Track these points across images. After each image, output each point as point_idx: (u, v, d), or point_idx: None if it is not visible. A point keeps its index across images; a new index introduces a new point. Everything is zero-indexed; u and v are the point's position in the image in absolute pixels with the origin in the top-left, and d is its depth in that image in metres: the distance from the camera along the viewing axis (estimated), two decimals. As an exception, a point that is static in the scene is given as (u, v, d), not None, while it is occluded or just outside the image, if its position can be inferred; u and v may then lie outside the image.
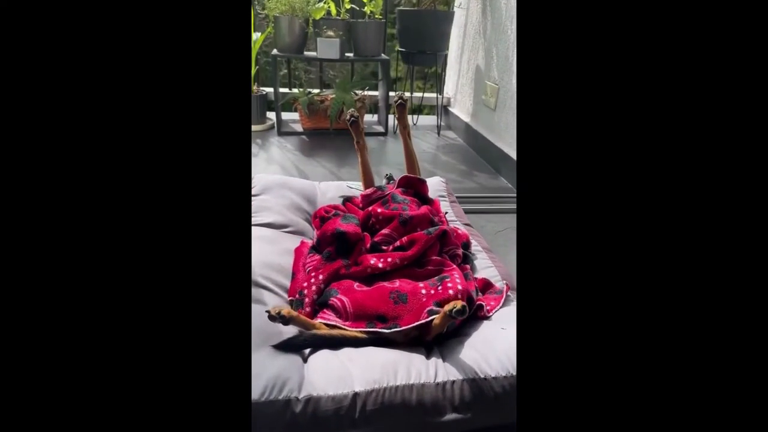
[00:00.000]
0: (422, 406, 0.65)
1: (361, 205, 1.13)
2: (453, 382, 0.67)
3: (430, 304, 0.75)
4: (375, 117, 2.84)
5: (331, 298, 0.82)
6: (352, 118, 1.12)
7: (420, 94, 2.88)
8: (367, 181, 1.16)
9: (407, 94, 2.76)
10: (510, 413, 0.67)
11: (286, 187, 1.25)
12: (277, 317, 0.71)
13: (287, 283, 0.92)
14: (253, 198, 1.20)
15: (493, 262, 1.04)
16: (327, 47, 2.26)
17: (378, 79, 2.62)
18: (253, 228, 1.06)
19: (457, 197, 1.41)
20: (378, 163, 2.10)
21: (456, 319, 0.69)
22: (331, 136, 2.44)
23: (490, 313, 0.84)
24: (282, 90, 2.53)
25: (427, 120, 2.94)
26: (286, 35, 2.30)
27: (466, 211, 1.35)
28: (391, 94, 2.58)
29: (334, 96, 2.40)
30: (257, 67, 2.51)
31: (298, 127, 2.55)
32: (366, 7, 2.37)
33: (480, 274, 0.99)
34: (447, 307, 0.68)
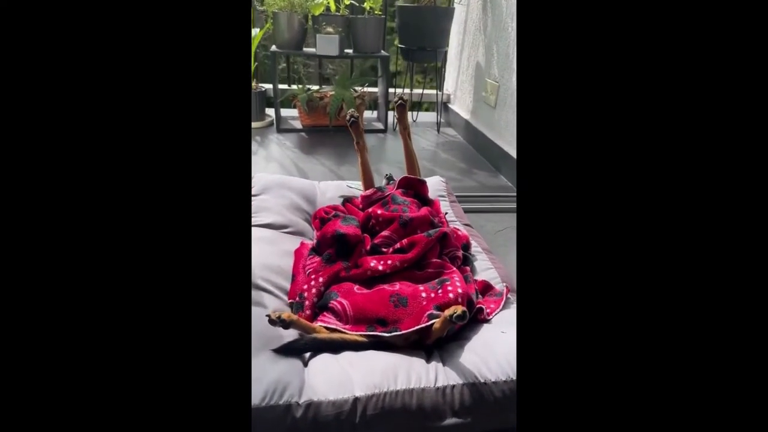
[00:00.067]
0: (422, 411, 0.65)
1: (361, 206, 1.13)
2: (453, 386, 0.67)
3: (431, 308, 0.75)
4: (374, 114, 2.83)
5: (331, 301, 0.82)
6: (352, 119, 1.11)
7: (420, 91, 2.86)
8: (367, 181, 1.15)
9: (407, 91, 2.75)
10: (510, 418, 0.67)
11: (286, 186, 1.25)
12: (277, 321, 0.71)
13: (287, 285, 0.92)
14: (252, 198, 1.19)
15: (493, 263, 1.04)
16: (326, 43, 2.25)
17: (377, 76, 2.61)
18: (252, 229, 1.06)
19: (456, 196, 1.41)
20: (378, 161, 2.10)
21: (456, 324, 0.69)
22: (331, 133, 2.43)
23: (490, 316, 0.84)
24: (281, 86, 2.51)
25: (427, 117, 2.93)
26: (285, 31, 2.28)
27: (466, 211, 1.35)
28: (391, 90, 2.57)
29: (333, 93, 2.39)
30: (256, 63, 2.49)
31: (298, 124, 2.53)
32: (365, 3, 2.35)
33: (480, 276, 0.99)
34: (447, 312, 0.68)
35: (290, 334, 0.76)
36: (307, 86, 2.51)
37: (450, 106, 2.81)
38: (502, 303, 0.88)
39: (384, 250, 0.94)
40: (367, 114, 2.78)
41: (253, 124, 2.47)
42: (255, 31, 2.35)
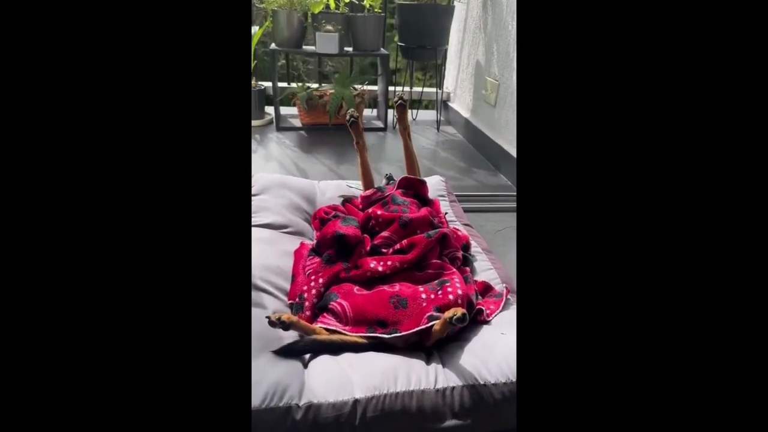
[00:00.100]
0: (422, 413, 0.65)
1: (360, 207, 1.13)
2: (453, 388, 0.67)
3: (430, 310, 0.75)
4: (374, 112, 2.82)
5: (331, 302, 0.82)
6: (352, 119, 1.11)
7: (420, 89, 2.86)
8: (367, 181, 1.15)
9: (406, 89, 2.74)
10: (510, 420, 0.67)
11: (285, 186, 1.25)
12: (277, 323, 0.71)
13: (287, 286, 0.92)
14: (252, 198, 1.19)
15: (493, 264, 1.04)
16: (326, 42, 2.24)
17: (377, 74, 2.60)
18: (252, 229, 1.06)
19: (456, 196, 1.41)
20: (377, 160, 2.09)
21: (456, 326, 0.69)
22: (330, 131, 2.42)
23: (490, 318, 0.84)
24: (280, 84, 2.51)
25: (427, 115, 2.92)
26: (285, 29, 2.27)
27: (466, 210, 1.35)
28: (391, 89, 2.56)
29: (333, 91, 2.38)
30: (255, 61, 2.48)
31: (297, 123, 2.53)
32: (365, 1, 2.34)
33: (480, 277, 0.99)
34: (447, 314, 0.68)
35: (290, 336, 0.76)
36: (307, 84, 2.50)
37: (450, 104, 2.81)
38: (502, 304, 0.88)
39: (384, 250, 0.94)
40: (367, 112, 2.78)
41: (253, 123, 2.47)
42: (254, 29, 2.34)
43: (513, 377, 0.68)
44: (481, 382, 0.68)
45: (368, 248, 0.95)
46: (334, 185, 1.34)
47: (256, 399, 0.62)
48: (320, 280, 0.87)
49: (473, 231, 1.20)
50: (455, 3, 2.46)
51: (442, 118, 2.75)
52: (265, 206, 1.15)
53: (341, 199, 1.22)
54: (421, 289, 0.81)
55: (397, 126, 1.15)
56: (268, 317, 0.72)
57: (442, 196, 1.34)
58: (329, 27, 2.25)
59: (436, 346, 0.77)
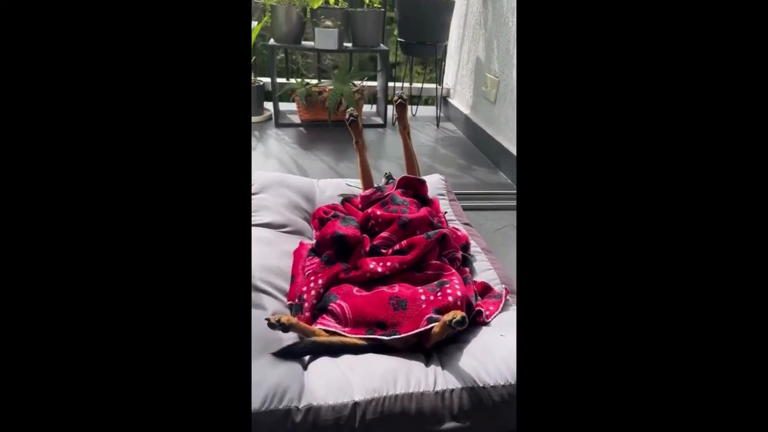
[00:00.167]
0: (421, 415, 0.66)
1: (360, 206, 1.12)
2: (452, 390, 0.68)
3: (430, 311, 0.76)
4: (374, 108, 2.81)
5: (331, 304, 0.82)
6: (351, 118, 1.11)
7: (419, 85, 2.84)
8: (367, 181, 1.15)
9: (406, 85, 2.73)
10: (508, 422, 0.68)
11: (285, 185, 1.24)
12: (276, 325, 0.71)
13: (286, 286, 0.92)
14: (251, 197, 1.19)
15: (492, 264, 1.04)
16: (325, 37, 2.22)
17: (377, 70, 2.59)
18: (252, 229, 1.06)
19: (456, 194, 1.40)
20: (377, 157, 2.09)
21: (455, 329, 0.69)
22: (330, 128, 2.41)
23: (489, 319, 0.84)
24: (279, 80, 2.49)
25: (427, 111, 2.91)
26: (283, 24, 2.25)
27: (465, 208, 1.35)
28: (390, 84, 2.54)
29: (332, 87, 2.37)
30: (254, 57, 2.46)
31: (296, 119, 2.52)
32: (365, -4, 2.33)
33: (479, 277, 0.99)
34: (447, 317, 0.68)
35: (290, 337, 0.76)
36: (306, 80, 2.49)
37: (449, 100, 2.80)
38: (501, 305, 0.88)
39: (383, 251, 0.94)
40: (366, 108, 2.76)
41: (252, 119, 2.45)
42: (253, 24, 2.32)
43: (512, 380, 0.68)
44: (480, 385, 0.68)
45: (367, 249, 0.95)
46: (334, 184, 1.34)
47: (256, 401, 0.62)
48: (319, 281, 0.87)
49: (473, 230, 1.20)
50: (455, -2, 2.44)
51: (441, 115, 2.74)
52: (264, 205, 1.15)
53: (341, 198, 1.21)
54: (421, 290, 0.81)
55: (397, 125, 1.14)
56: (267, 319, 0.72)
57: (442, 194, 1.34)
58: (328, 22, 2.24)
59: (436, 347, 0.77)
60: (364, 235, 0.98)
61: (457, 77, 2.71)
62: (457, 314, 0.67)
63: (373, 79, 2.68)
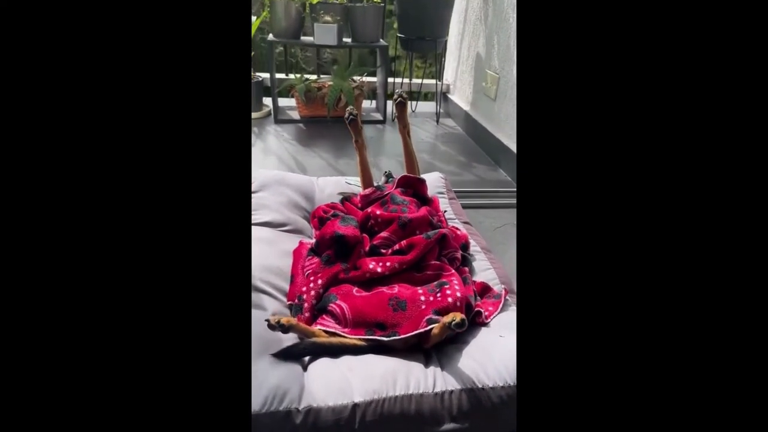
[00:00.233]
0: (421, 416, 0.66)
1: (360, 205, 1.12)
2: (451, 392, 0.68)
3: (429, 313, 0.76)
4: (373, 104, 2.80)
5: (330, 304, 0.82)
6: (351, 116, 1.10)
7: (419, 81, 2.83)
8: (366, 180, 1.15)
9: (406, 81, 2.72)
10: (507, 423, 0.68)
11: (284, 183, 1.24)
12: (276, 326, 0.72)
13: (286, 286, 0.92)
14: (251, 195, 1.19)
15: (492, 263, 1.04)
16: (324, 33, 2.21)
17: (377, 66, 2.57)
18: (251, 228, 1.06)
19: (455, 192, 1.40)
20: (377, 154, 2.08)
21: (455, 331, 0.69)
22: (329, 124, 2.41)
23: (489, 319, 0.85)
24: (278, 75, 2.48)
25: (426, 107, 2.90)
26: (282, 19, 2.24)
27: (465, 206, 1.35)
28: (390, 80, 2.53)
29: (331, 83, 2.36)
30: (253, 52, 2.45)
31: (295, 115, 2.51)
32: (364, -9, 2.31)
33: (478, 277, 1.00)
34: (446, 319, 0.69)
35: (289, 338, 0.77)
36: (305, 76, 2.48)
37: (449, 96, 2.79)
38: (500, 305, 0.89)
39: (383, 251, 0.94)
40: (366, 104, 2.75)
41: (251, 115, 2.45)
42: (252, 19, 2.30)
43: (511, 381, 0.69)
44: (479, 386, 0.68)
45: (367, 248, 0.95)
46: (333, 182, 1.33)
47: (257, 403, 0.62)
48: (319, 281, 0.88)
49: (472, 229, 1.20)
50: (456, -7, 2.42)
51: (441, 111, 2.73)
52: (264, 204, 1.15)
53: (340, 197, 1.21)
54: (420, 291, 0.82)
55: (397, 124, 1.13)
56: (267, 320, 0.72)
57: (441, 193, 1.34)
58: (328, 18, 2.22)
59: (435, 348, 0.77)
60: (364, 234, 0.98)
61: (457, 73, 2.70)
62: (457, 316, 0.67)
63: (373, 74, 2.66)
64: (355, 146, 1.14)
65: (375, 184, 1.17)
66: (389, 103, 2.50)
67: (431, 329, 0.73)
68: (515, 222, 1.50)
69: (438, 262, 0.92)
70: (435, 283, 0.85)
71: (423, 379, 0.69)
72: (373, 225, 1.00)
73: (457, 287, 0.82)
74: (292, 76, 2.55)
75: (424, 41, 2.32)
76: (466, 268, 0.99)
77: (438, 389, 0.68)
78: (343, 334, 0.78)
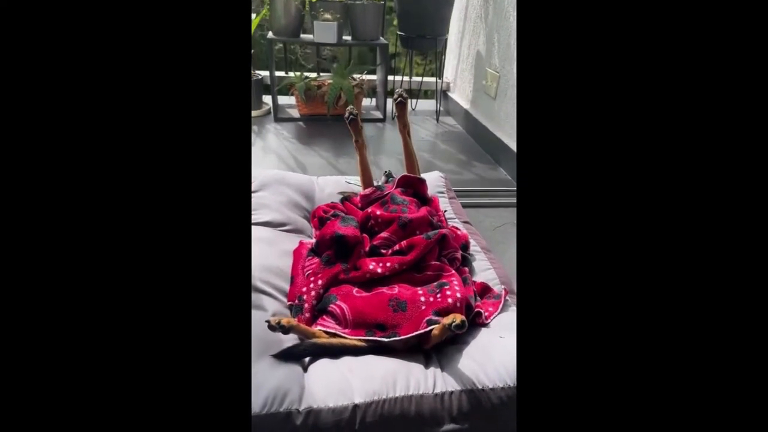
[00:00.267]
0: (421, 417, 0.66)
1: (360, 205, 1.12)
2: (451, 393, 0.68)
3: (429, 314, 0.76)
4: (373, 102, 2.79)
5: (331, 305, 0.82)
6: (351, 116, 1.10)
7: (419, 79, 2.82)
8: (366, 180, 1.15)
9: (406, 79, 2.71)
10: (507, 424, 0.68)
11: (284, 183, 1.24)
12: (277, 327, 0.72)
13: (286, 287, 0.92)
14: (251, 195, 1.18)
15: (492, 263, 1.04)
16: (324, 30, 2.20)
17: (377, 64, 2.57)
18: (251, 228, 1.06)
19: (455, 191, 1.40)
20: (376, 152, 2.08)
21: (455, 332, 0.69)
22: (329, 122, 2.40)
23: (489, 320, 0.85)
24: (278, 73, 2.47)
25: (426, 105, 2.90)
26: (282, 17, 2.23)
27: (465, 206, 1.35)
28: (390, 78, 2.53)
29: (331, 81, 2.35)
30: (252, 50, 2.44)
31: (295, 113, 2.50)
32: (364, -11, 2.30)
33: (478, 277, 1.00)
34: (446, 321, 0.69)
35: (290, 338, 0.77)
36: (305, 74, 2.47)
37: (449, 94, 2.78)
38: (500, 306, 0.89)
39: (383, 251, 0.94)
40: (366, 102, 2.75)
41: (251, 113, 2.44)
42: (251, 17, 2.30)
43: (510, 382, 0.69)
44: (479, 387, 0.69)
45: (367, 249, 0.95)
46: (333, 181, 1.33)
47: (257, 404, 0.63)
48: (319, 282, 0.88)
49: (472, 229, 1.20)
50: (456, -9, 2.41)
51: (441, 109, 2.73)
52: (264, 203, 1.15)
53: (340, 196, 1.21)
54: (420, 291, 0.82)
55: (397, 124, 1.13)
56: (267, 321, 0.72)
57: (442, 192, 1.34)
58: (327, 15, 2.21)
59: (435, 348, 0.77)
60: (364, 234, 0.98)
61: (457, 71, 2.69)
62: (457, 318, 0.67)
63: (373, 72, 2.65)
64: (356, 146, 1.14)
65: (375, 183, 1.17)
66: (389, 101, 2.50)
67: (431, 330, 0.73)
68: (515, 221, 1.50)
69: (438, 263, 0.92)
70: (435, 283, 0.85)
71: (423, 380, 0.69)
72: (373, 225, 1.00)
73: (457, 288, 0.82)
74: (291, 74, 2.55)
75: (425, 39, 2.31)
76: (466, 268, 0.99)
77: (438, 390, 0.68)
78: (343, 334, 0.78)
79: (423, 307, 0.78)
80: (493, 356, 0.73)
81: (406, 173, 1.14)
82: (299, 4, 2.21)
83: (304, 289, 0.87)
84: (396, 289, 0.84)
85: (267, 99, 2.52)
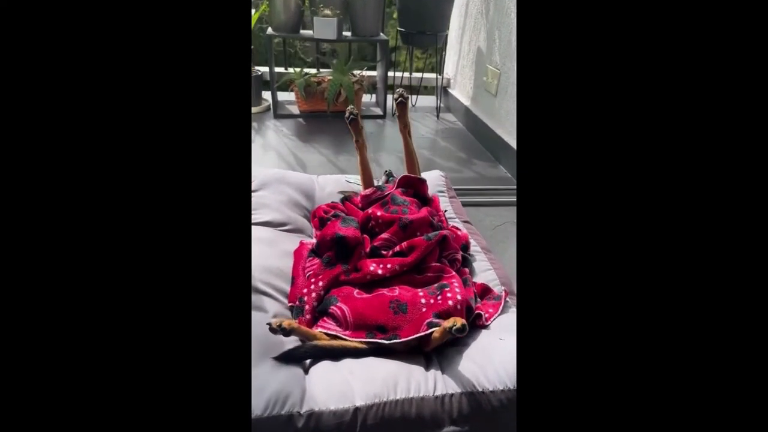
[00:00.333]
0: (421, 420, 0.67)
1: (360, 206, 1.12)
2: (452, 395, 0.69)
3: (430, 316, 0.76)
4: (373, 98, 2.78)
5: (332, 306, 0.83)
6: (351, 116, 1.09)
7: (419, 75, 2.81)
8: (367, 180, 1.14)
9: (406, 75, 2.70)
10: (507, 427, 0.69)
11: (284, 182, 1.24)
12: (278, 330, 0.72)
13: (287, 288, 0.92)
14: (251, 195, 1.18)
15: (492, 264, 1.04)
16: (324, 26, 2.19)
17: (377, 60, 2.55)
18: (252, 228, 1.06)
19: (455, 189, 1.40)
20: (376, 150, 2.08)
21: (456, 336, 0.69)
22: (329, 119, 2.39)
23: (489, 322, 0.85)
24: (277, 69, 2.46)
25: (427, 101, 2.89)
26: (281, 13, 2.21)
27: (465, 204, 1.35)
28: (390, 74, 2.51)
29: (331, 78, 2.34)
30: (252, 46, 2.43)
31: (295, 109, 2.49)
32: (364, -16, 2.28)
33: (479, 278, 1.00)
34: (447, 324, 0.69)
35: (291, 341, 0.77)
36: (305, 70, 2.46)
37: (450, 90, 2.77)
38: (501, 307, 0.89)
39: (383, 252, 0.94)
40: (366, 99, 2.74)
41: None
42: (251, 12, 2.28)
43: (511, 384, 0.69)
44: (480, 390, 0.69)
45: (368, 250, 0.95)
46: (333, 180, 1.33)
47: (259, 407, 0.63)
48: (320, 283, 0.88)
49: (473, 228, 1.20)
50: (457, -13, 2.40)
51: (441, 105, 2.72)
52: (264, 203, 1.14)
53: (341, 195, 1.21)
54: (421, 293, 0.82)
55: (398, 124, 1.13)
56: (269, 324, 0.72)
57: (442, 191, 1.34)
58: (327, 11, 2.20)
59: (435, 350, 0.78)
60: (365, 235, 0.98)
61: (457, 67, 2.68)
62: (458, 321, 0.68)
63: (373, 68, 2.64)
64: (356, 146, 1.14)
65: (375, 183, 1.17)
66: (389, 97, 2.49)
67: (432, 333, 0.73)
68: (515, 220, 1.50)
69: (438, 264, 0.92)
70: (435, 285, 0.85)
71: (424, 383, 0.70)
72: (373, 226, 1.00)
73: (457, 289, 0.82)
74: (291, 69, 2.53)
75: (425, 35, 2.30)
76: (467, 269, 0.99)
77: (438, 392, 0.69)
78: (344, 336, 0.78)
79: (423, 309, 0.78)
80: (493, 358, 0.73)
81: (406, 173, 1.14)
82: (299, -1, 2.20)
83: (305, 291, 0.88)
84: (396, 291, 0.84)
85: (266, 95, 2.51)
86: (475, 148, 2.19)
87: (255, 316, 0.80)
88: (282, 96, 2.59)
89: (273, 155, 1.95)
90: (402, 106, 1.11)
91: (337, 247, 0.93)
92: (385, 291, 0.85)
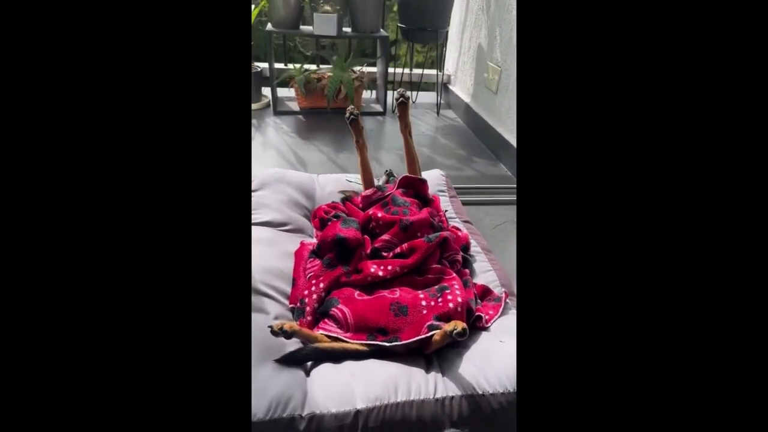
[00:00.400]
0: (422, 422, 0.67)
1: (361, 206, 1.12)
2: (452, 398, 0.69)
3: (431, 318, 0.76)
4: (373, 94, 2.77)
5: (332, 308, 0.83)
6: (352, 117, 1.09)
7: (419, 71, 2.80)
8: (367, 180, 1.14)
9: (407, 71, 2.68)
10: (507, 429, 0.69)
11: (284, 181, 1.24)
12: (279, 332, 0.72)
13: (288, 289, 0.92)
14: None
15: (492, 265, 1.04)
16: (324, 23, 2.17)
17: (377, 56, 2.54)
18: (252, 228, 1.06)
19: (455, 188, 1.40)
20: (377, 148, 2.07)
21: (456, 339, 0.70)
22: (329, 115, 2.39)
23: (489, 323, 0.85)
24: (277, 65, 2.45)
25: (427, 97, 2.88)
26: (281, 9, 2.20)
27: (465, 203, 1.35)
28: (390, 70, 2.50)
29: (331, 74, 2.33)
30: (252, 42, 2.41)
31: (295, 106, 2.48)
32: (365, -20, 2.26)
33: (479, 279, 1.00)
34: (448, 327, 0.69)
35: (292, 343, 0.77)
36: (305, 67, 2.45)
37: (450, 87, 2.76)
38: (501, 309, 0.89)
39: (384, 254, 0.94)
40: (366, 95, 2.73)
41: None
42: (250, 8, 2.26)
43: (510, 387, 0.70)
44: (480, 392, 0.69)
45: (368, 251, 0.95)
46: (334, 179, 1.33)
47: (261, 410, 0.63)
48: (321, 285, 0.88)
49: (473, 228, 1.20)
50: (458, -18, 2.38)
51: (441, 102, 2.71)
52: (264, 203, 1.14)
53: (341, 195, 1.21)
54: (422, 295, 0.82)
55: (398, 124, 1.13)
56: (270, 326, 0.72)
57: (442, 191, 1.34)
58: (327, 7, 2.18)
59: (436, 352, 0.78)
60: (365, 236, 0.98)
61: (458, 64, 2.67)
62: (459, 325, 0.68)
63: (373, 64, 2.63)
64: (357, 146, 1.13)
65: (376, 183, 1.17)
66: (390, 94, 2.48)
67: (432, 335, 0.73)
68: (515, 219, 1.50)
69: (439, 266, 0.92)
70: (436, 287, 0.85)
71: (424, 385, 0.70)
72: (374, 227, 1.00)
73: (458, 291, 0.82)
74: (291, 65, 2.52)
75: (425, 32, 2.29)
76: (467, 270, 0.99)
77: (439, 395, 0.69)
78: (345, 338, 0.78)
79: (424, 312, 0.79)
80: (493, 361, 0.74)
81: (407, 173, 1.14)
82: (298, -5, 2.18)
83: (306, 292, 0.88)
84: (397, 293, 0.84)
85: (266, 91, 2.50)
86: (476, 145, 2.18)
87: (256, 317, 0.80)
88: (282, 92, 2.58)
89: (273, 153, 1.94)
90: (403, 106, 1.11)
91: (338, 248, 0.93)
92: (385, 293, 0.85)
